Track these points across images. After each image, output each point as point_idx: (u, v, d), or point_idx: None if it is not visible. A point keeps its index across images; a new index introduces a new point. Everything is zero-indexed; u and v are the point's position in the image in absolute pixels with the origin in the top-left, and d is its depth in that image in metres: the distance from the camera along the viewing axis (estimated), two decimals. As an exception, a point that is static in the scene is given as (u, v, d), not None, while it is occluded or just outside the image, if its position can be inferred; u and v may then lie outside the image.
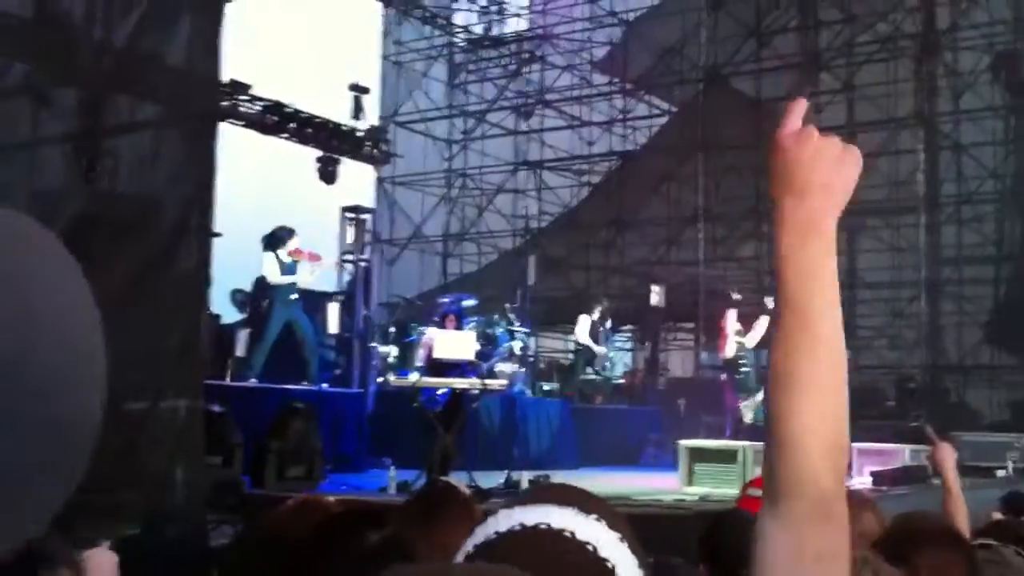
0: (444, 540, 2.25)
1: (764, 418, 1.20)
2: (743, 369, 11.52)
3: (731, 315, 11.84)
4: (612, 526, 1.06)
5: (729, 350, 11.52)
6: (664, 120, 20.88)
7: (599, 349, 14.87)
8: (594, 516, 1.05)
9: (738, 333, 11.59)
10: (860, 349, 18.16)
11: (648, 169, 19.69)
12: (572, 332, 15.24)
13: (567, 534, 1.03)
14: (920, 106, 17.03)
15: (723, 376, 12.16)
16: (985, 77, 17.37)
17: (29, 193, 6.65)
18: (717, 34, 18.91)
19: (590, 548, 1.03)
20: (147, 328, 6.33)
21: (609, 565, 1.02)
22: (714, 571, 3.00)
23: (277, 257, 11.13)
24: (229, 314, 12.37)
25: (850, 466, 11.40)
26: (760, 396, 11.51)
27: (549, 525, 1.04)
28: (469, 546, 1.05)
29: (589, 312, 14.76)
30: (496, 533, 1.05)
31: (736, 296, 11.95)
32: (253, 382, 10.57)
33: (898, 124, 17.58)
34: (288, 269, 11.16)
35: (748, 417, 11.32)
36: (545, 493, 1.09)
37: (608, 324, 15.15)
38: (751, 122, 18.74)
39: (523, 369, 13.36)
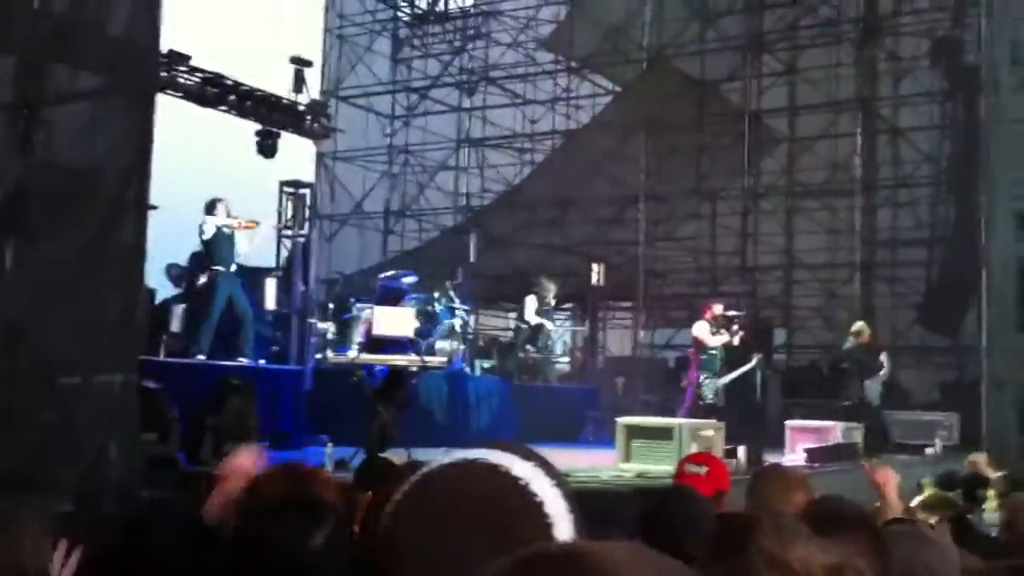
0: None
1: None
2: (712, 351, 11.79)
3: (717, 306, 12.19)
4: (548, 473, 1.11)
5: (702, 331, 11.82)
6: (608, 99, 20.92)
7: (549, 325, 14.97)
8: (532, 463, 1.11)
9: (715, 322, 11.91)
10: (796, 329, 18.47)
11: (591, 148, 19.73)
12: (514, 310, 15.26)
13: (502, 469, 1.09)
14: (860, 90, 17.25)
15: (690, 351, 12.44)
16: (924, 62, 17.63)
17: (-39, 162, 6.51)
18: (662, 14, 18.96)
19: (522, 483, 1.08)
20: (84, 302, 6.24)
21: (537, 500, 1.07)
22: (653, 544, 3.03)
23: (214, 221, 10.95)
24: (163, 288, 12.22)
25: (784, 443, 11.64)
26: (723, 380, 11.80)
27: (487, 460, 1.10)
28: (412, 480, 1.10)
29: (538, 293, 14.80)
30: (440, 464, 1.12)
31: (730, 312, 12.36)
32: (200, 358, 10.43)
33: (838, 107, 17.81)
34: (227, 240, 11.01)
35: (708, 395, 11.57)
36: (490, 444, 1.15)
37: (552, 303, 15.23)
38: (694, 103, 18.88)
39: (463, 347, 13.39)
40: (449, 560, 1.01)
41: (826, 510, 2.49)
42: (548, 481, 1.10)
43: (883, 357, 13.71)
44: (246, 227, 11.17)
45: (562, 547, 0.95)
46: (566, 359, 18.59)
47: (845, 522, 2.29)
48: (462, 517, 1.02)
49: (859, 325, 13.42)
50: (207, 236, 10.93)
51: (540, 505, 1.07)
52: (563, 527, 1.06)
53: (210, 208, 11.03)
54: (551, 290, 14.84)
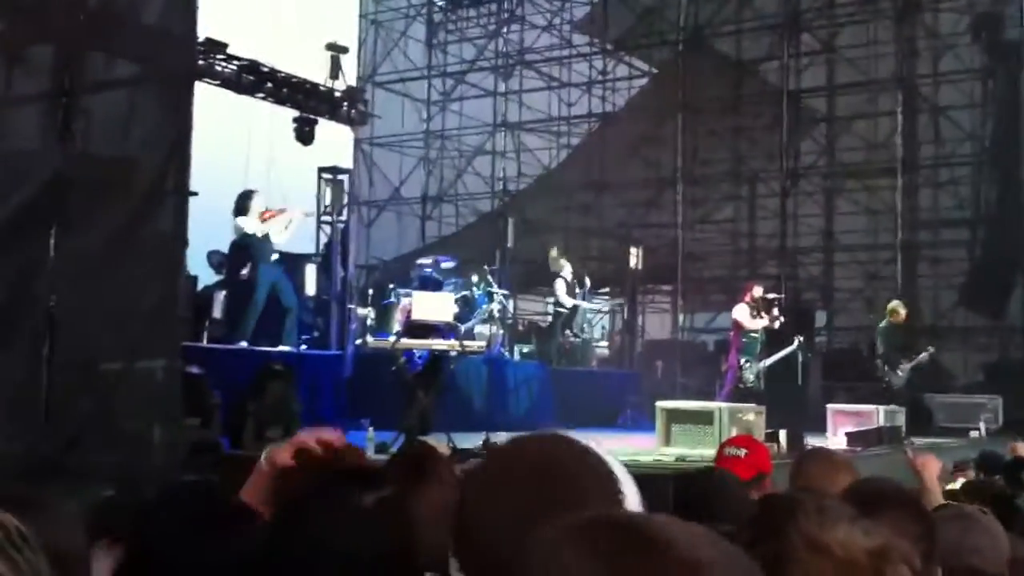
0: (429, 499, 2.24)
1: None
2: (752, 334, 11.69)
3: (757, 288, 12.09)
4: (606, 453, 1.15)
5: (742, 313, 11.72)
6: (644, 81, 20.80)
7: (585, 304, 14.94)
8: (593, 442, 1.16)
9: (755, 304, 11.81)
10: (837, 311, 18.29)
11: (627, 131, 19.64)
12: (550, 295, 15.21)
13: (582, 445, 1.14)
14: (899, 68, 17.02)
15: (730, 334, 12.35)
16: (965, 39, 17.35)
17: (3, 153, 6.58)
18: (697, -6, 18.82)
19: (592, 450, 1.13)
20: (124, 289, 6.30)
21: (607, 469, 1.11)
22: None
23: (246, 220, 11.03)
24: (204, 275, 12.31)
25: (825, 426, 11.54)
26: (764, 363, 11.67)
27: (564, 435, 1.15)
28: (485, 454, 1.16)
29: (559, 275, 14.76)
30: (507, 441, 1.17)
31: (770, 294, 12.26)
32: (243, 345, 10.51)
33: (877, 86, 17.59)
34: (261, 233, 11.09)
35: (749, 378, 11.49)
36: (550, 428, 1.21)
37: (587, 286, 15.16)
38: (731, 84, 18.72)
39: (502, 331, 13.38)
40: (522, 524, 1.01)
41: (870, 490, 2.44)
42: (616, 463, 1.13)
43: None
44: (272, 218, 11.20)
45: (628, 515, 0.97)
46: (605, 343, 18.51)
47: (889, 503, 2.24)
48: (535, 484, 1.05)
49: (893, 304, 13.22)
50: (239, 236, 11.03)
51: (611, 474, 1.09)
52: (632, 498, 1.09)
53: (240, 205, 11.08)
54: (566, 267, 14.75)
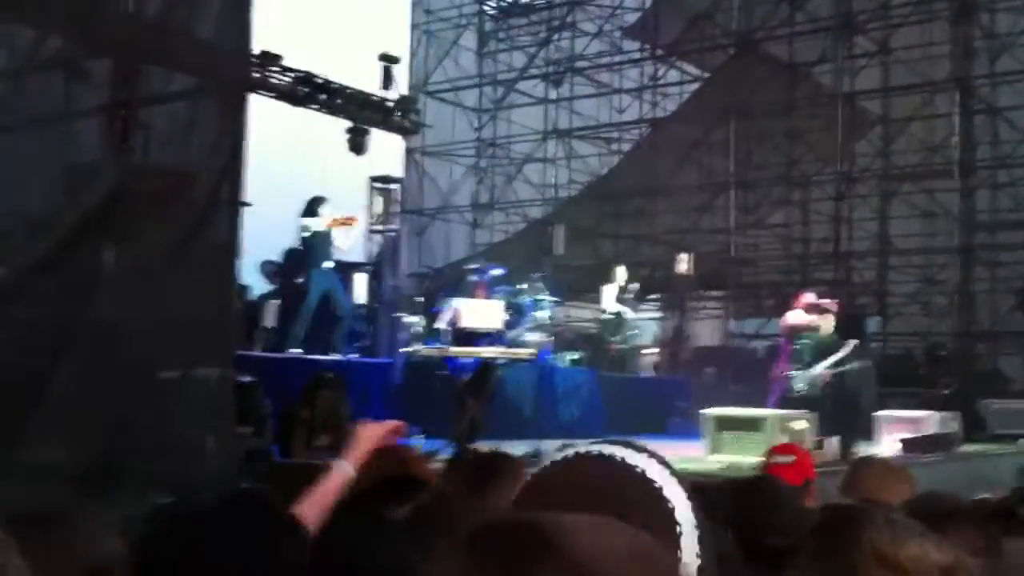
0: (499, 504, 2.24)
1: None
2: (803, 340, 11.52)
3: (809, 295, 11.92)
4: (662, 462, 1.12)
5: (795, 318, 11.56)
6: (695, 86, 20.73)
7: (630, 313, 14.91)
8: (646, 453, 1.12)
9: (809, 310, 11.65)
10: (891, 316, 18.08)
11: (679, 136, 19.57)
12: (596, 302, 15.20)
13: (618, 458, 1.10)
14: (956, 69, 16.80)
15: (781, 341, 12.19)
16: (1022, 39, 17.10)
17: (64, 167, 6.74)
18: (749, -1, 18.72)
19: (639, 470, 1.08)
20: (180, 299, 6.42)
21: (657, 485, 1.07)
22: (740, 537, 3.03)
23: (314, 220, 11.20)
24: (256, 285, 12.49)
25: (879, 433, 11.42)
26: (815, 370, 11.44)
27: (600, 452, 1.11)
28: (528, 476, 1.13)
29: (611, 280, 14.78)
30: (552, 462, 1.13)
31: (823, 300, 11.99)
32: (297, 352, 10.65)
33: (934, 88, 17.37)
34: (325, 238, 11.25)
35: (800, 387, 11.31)
36: (600, 441, 1.16)
37: (632, 293, 15.16)
38: (784, 87, 18.60)
39: (551, 338, 13.41)
40: None
41: (932, 505, 2.43)
42: (665, 469, 1.10)
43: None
44: (344, 223, 11.37)
45: (527, 517, 0.94)
46: (655, 350, 18.45)
47: (954, 517, 2.23)
48: (581, 508, 1.00)
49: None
50: (305, 235, 11.18)
51: (659, 491, 1.07)
52: (684, 513, 1.06)
53: (310, 208, 11.26)
54: (622, 276, 14.76)
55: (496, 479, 2.66)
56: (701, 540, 1.06)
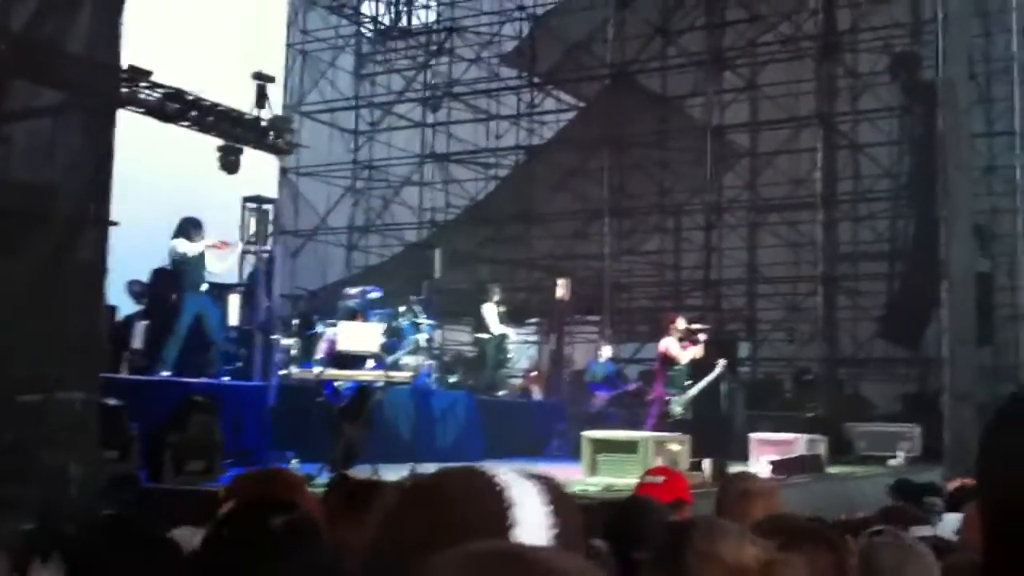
0: (363, 527, 2.26)
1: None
2: (677, 367, 11.72)
3: (681, 320, 12.09)
4: (545, 488, 1.08)
5: (671, 346, 11.71)
6: (572, 115, 21.02)
7: (512, 334, 14.98)
8: (533, 481, 1.09)
9: (681, 336, 11.82)
10: (759, 342, 18.59)
11: (555, 163, 19.81)
12: (477, 326, 15.19)
13: (489, 475, 1.08)
14: (820, 106, 17.44)
15: (656, 366, 12.35)
16: (883, 78, 17.85)
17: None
18: (624, 31, 19.09)
19: (498, 487, 1.06)
20: (44, 319, 6.18)
21: (505, 504, 1.05)
22: (614, 551, 3.12)
23: (187, 243, 10.93)
24: (123, 305, 12.09)
25: (748, 455, 11.69)
26: (691, 393, 11.68)
27: (477, 467, 1.10)
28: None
29: (489, 300, 14.80)
30: (424, 475, 1.13)
31: (694, 325, 12.16)
32: (166, 375, 10.34)
33: (799, 123, 17.99)
34: (198, 261, 10.98)
35: (677, 411, 11.51)
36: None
37: (503, 310, 15.24)
38: (657, 119, 19.02)
39: (429, 362, 13.34)
40: (411, 551, 1.00)
41: (783, 523, 2.49)
42: (539, 498, 1.07)
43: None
44: (218, 247, 11.12)
45: (510, 547, 0.95)
46: (533, 372, 18.53)
47: (802, 535, 2.29)
48: (434, 514, 1.04)
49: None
50: (177, 258, 10.88)
51: (507, 509, 1.05)
52: (530, 532, 1.04)
53: (183, 229, 10.97)
54: (498, 295, 14.85)
55: (370, 503, 2.70)
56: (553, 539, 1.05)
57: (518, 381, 17.49)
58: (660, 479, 4.42)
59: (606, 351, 15.70)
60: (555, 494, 1.09)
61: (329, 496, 3.06)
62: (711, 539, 1.51)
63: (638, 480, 4.66)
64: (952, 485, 8.26)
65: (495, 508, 1.05)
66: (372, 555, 1.09)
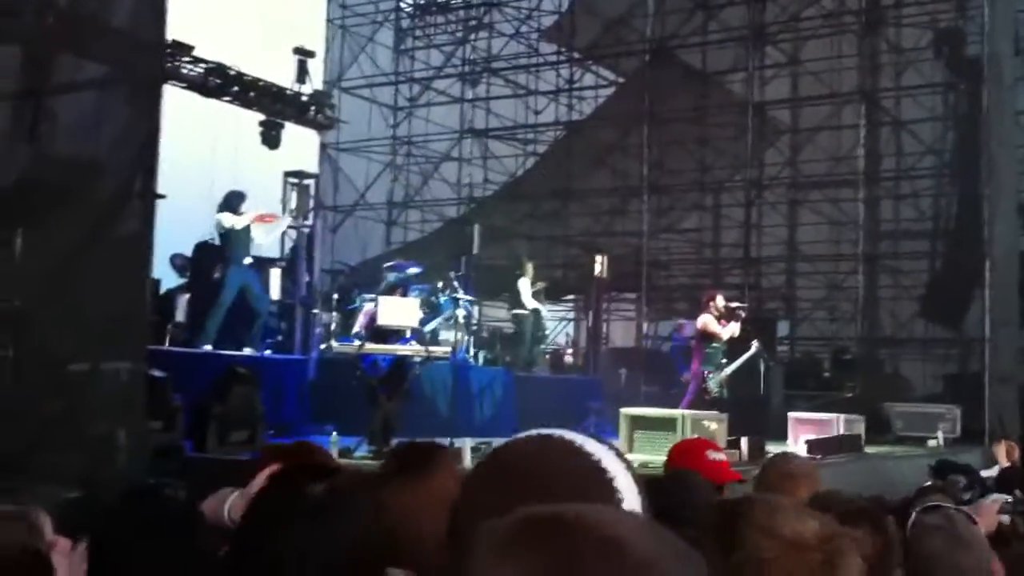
0: (424, 492, 2.26)
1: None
2: (715, 344, 11.61)
3: (720, 297, 11.96)
4: (618, 456, 1.13)
5: (709, 322, 11.59)
6: (611, 91, 20.92)
7: (545, 311, 14.99)
8: (606, 446, 1.13)
9: (719, 314, 11.69)
10: (799, 321, 18.49)
11: (594, 139, 19.75)
12: (514, 302, 15.20)
13: (576, 445, 1.12)
14: (862, 82, 17.24)
15: (693, 343, 12.24)
16: (927, 54, 17.62)
17: (-32, 153, 6.54)
18: (664, 6, 18.94)
19: (594, 459, 1.10)
20: (91, 291, 6.27)
21: (609, 476, 1.09)
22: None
23: (233, 217, 11.02)
24: (166, 278, 12.24)
25: (786, 434, 11.65)
26: (727, 371, 11.56)
27: (561, 436, 1.13)
28: (488, 452, 1.15)
29: (524, 275, 14.82)
30: (512, 440, 1.15)
31: (733, 303, 11.97)
32: (207, 348, 10.46)
33: (841, 99, 17.80)
34: (244, 234, 11.07)
35: (713, 388, 11.43)
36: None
37: (541, 289, 15.25)
38: (697, 94, 18.88)
39: (467, 337, 13.40)
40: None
41: (830, 500, 2.51)
42: (621, 463, 1.12)
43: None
44: (264, 220, 11.20)
45: (575, 508, 0.94)
46: (570, 349, 18.56)
47: (849, 513, 2.30)
48: (533, 488, 1.03)
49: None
50: (222, 231, 10.99)
51: (611, 481, 1.09)
52: (632, 503, 1.08)
53: (228, 203, 11.05)
54: (531, 271, 14.86)
55: (432, 464, 2.69)
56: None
57: (550, 359, 17.54)
58: (721, 456, 4.32)
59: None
60: (627, 463, 1.14)
61: (392, 458, 3.05)
62: (771, 514, 1.50)
63: (694, 453, 4.56)
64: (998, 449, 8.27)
65: (601, 486, 1.07)
66: (453, 526, 1.10)
